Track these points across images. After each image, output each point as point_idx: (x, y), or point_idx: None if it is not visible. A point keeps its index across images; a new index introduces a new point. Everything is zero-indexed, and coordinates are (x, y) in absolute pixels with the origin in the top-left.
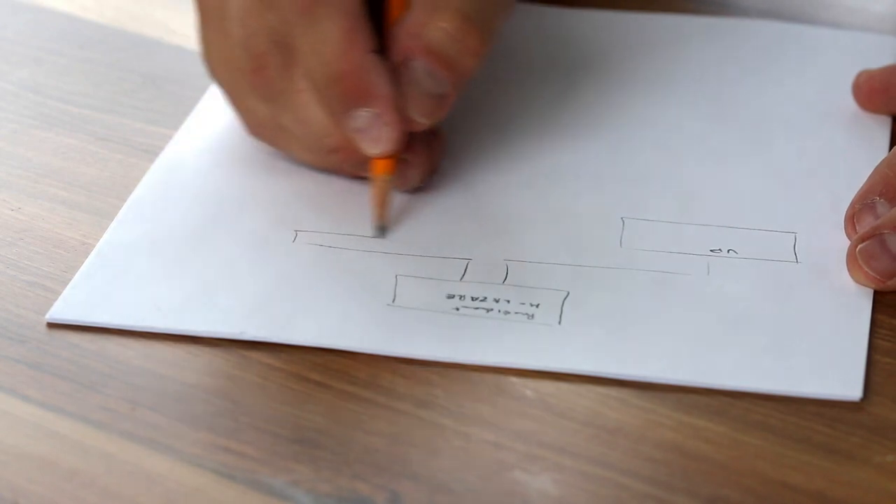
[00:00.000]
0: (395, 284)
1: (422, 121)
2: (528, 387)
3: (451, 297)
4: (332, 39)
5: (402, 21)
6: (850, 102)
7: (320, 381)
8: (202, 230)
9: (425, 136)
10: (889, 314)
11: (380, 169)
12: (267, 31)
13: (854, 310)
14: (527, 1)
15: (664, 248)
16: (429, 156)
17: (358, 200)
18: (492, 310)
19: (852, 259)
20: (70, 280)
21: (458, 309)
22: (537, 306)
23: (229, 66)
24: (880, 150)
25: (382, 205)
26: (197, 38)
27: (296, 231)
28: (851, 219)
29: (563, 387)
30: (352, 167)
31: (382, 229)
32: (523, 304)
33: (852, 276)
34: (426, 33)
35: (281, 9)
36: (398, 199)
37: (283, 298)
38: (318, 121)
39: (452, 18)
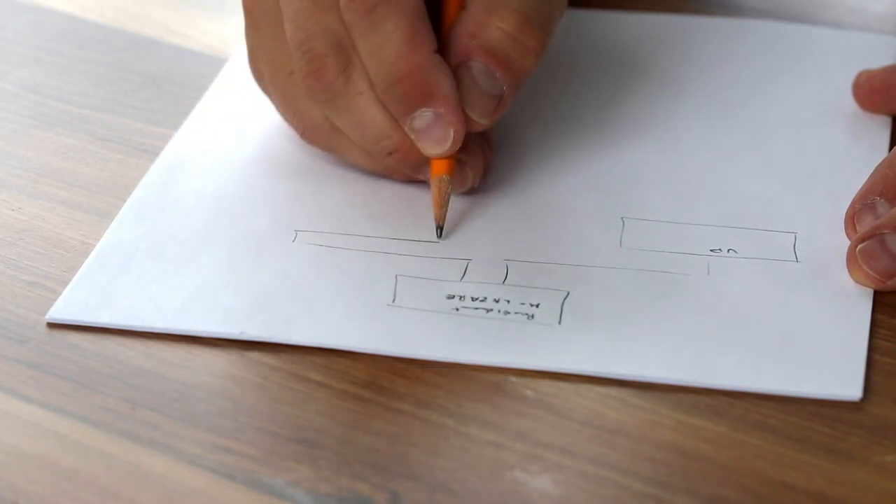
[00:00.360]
0: (395, 284)
1: (481, 121)
2: (528, 387)
3: (451, 297)
4: (395, 40)
5: (459, 21)
6: (850, 102)
7: (320, 381)
8: (202, 230)
9: (479, 136)
10: (889, 314)
11: (439, 170)
12: (325, 33)
13: (854, 310)
14: None
15: (664, 248)
16: (483, 156)
17: (358, 201)
18: (492, 310)
19: (852, 259)
20: (70, 280)
21: (458, 309)
22: (537, 306)
23: (283, 69)
24: (880, 150)
25: (442, 205)
26: (245, 44)
27: (296, 231)
28: (851, 219)
29: (563, 387)
30: (409, 169)
31: (442, 229)
32: (523, 304)
33: (852, 276)
34: (484, 33)
35: (340, 11)
36: (403, 202)
37: (282, 298)
38: (377, 123)
39: (511, 18)
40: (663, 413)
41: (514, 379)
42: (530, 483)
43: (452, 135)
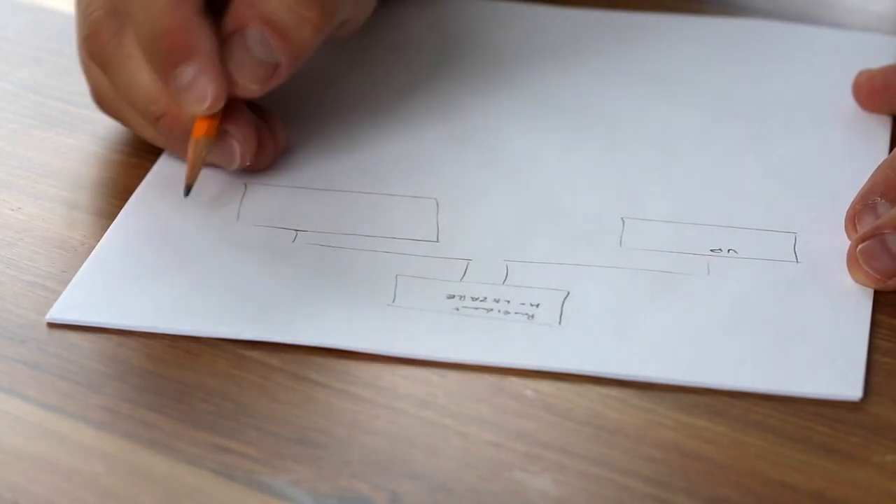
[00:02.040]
0: (395, 284)
1: (251, 87)
2: (528, 387)
3: (451, 297)
4: (160, 0)
5: None
6: (850, 102)
7: (320, 381)
8: (202, 230)
9: (254, 114)
10: (889, 314)
11: (198, 131)
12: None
13: (854, 310)
14: (529, 1)
15: (664, 248)
16: (254, 133)
17: (358, 200)
18: (492, 310)
19: (852, 259)
20: (70, 280)
21: (458, 309)
22: (537, 306)
23: (77, 35)
24: (880, 150)
25: (194, 166)
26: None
27: (296, 231)
28: (852, 219)
29: (563, 387)
30: (178, 137)
31: (190, 189)
32: (523, 304)
33: (852, 276)
34: (262, 2)
35: None
36: (403, 202)
37: (283, 298)
38: (145, 86)
39: None
40: (663, 413)
41: (514, 379)
42: (530, 483)
43: (211, 92)
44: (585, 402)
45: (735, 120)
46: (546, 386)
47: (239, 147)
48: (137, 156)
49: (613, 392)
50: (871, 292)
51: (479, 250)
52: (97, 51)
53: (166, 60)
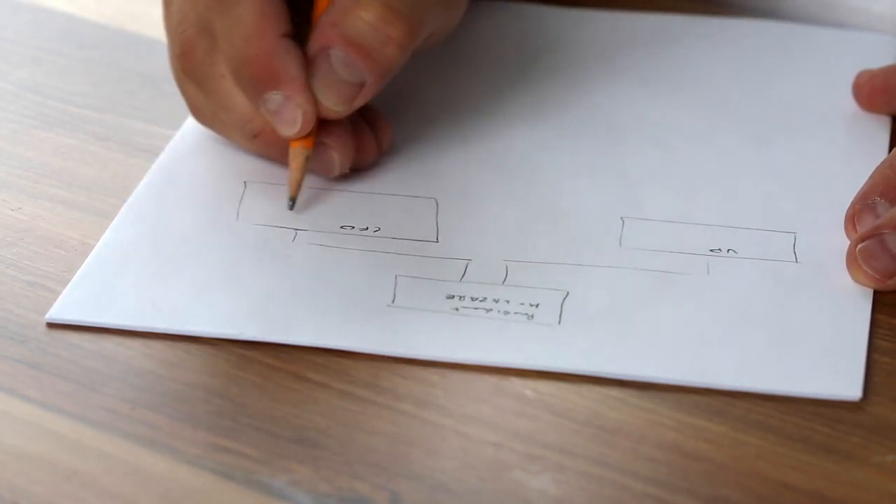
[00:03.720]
0: (395, 284)
1: (336, 108)
2: (528, 387)
3: (450, 297)
4: (245, 23)
5: (327, 11)
6: (850, 102)
7: (320, 381)
8: (202, 230)
9: (351, 123)
10: (889, 314)
11: (297, 144)
12: (196, 16)
13: (854, 310)
14: (529, 1)
15: (664, 248)
16: (351, 143)
17: (358, 201)
18: (491, 310)
19: (852, 259)
20: (70, 280)
21: (457, 309)
22: (537, 306)
23: (170, 51)
24: (880, 150)
25: (296, 177)
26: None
27: (296, 231)
28: (852, 219)
29: (563, 387)
30: (277, 153)
31: (293, 201)
32: (523, 304)
33: (852, 276)
34: (346, 22)
35: None
36: (403, 202)
37: (283, 298)
38: (240, 106)
39: (375, 8)
40: (663, 413)
41: (514, 379)
42: (530, 483)
43: (301, 117)
44: (585, 402)
45: (735, 120)
46: (546, 386)
47: (338, 158)
48: (137, 156)
49: (613, 392)
50: (870, 292)
51: (478, 250)
52: (191, 69)
53: (253, 86)
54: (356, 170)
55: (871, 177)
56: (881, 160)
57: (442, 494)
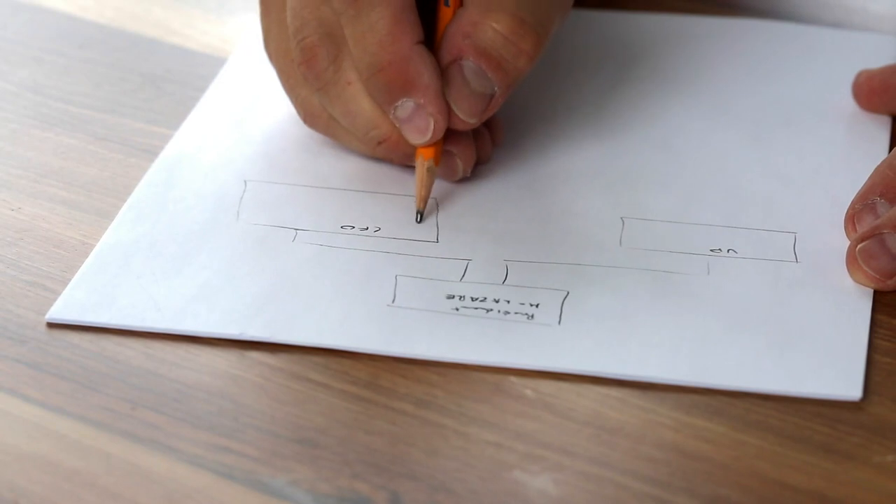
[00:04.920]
0: (395, 284)
1: (469, 120)
2: (528, 387)
3: (450, 297)
4: (379, 29)
5: (455, 20)
6: (850, 102)
7: (320, 381)
8: (202, 230)
9: (479, 127)
10: (889, 314)
11: (425, 155)
12: (318, 22)
13: (854, 310)
14: None
15: (664, 248)
16: (474, 148)
17: (358, 200)
18: (491, 310)
19: (852, 259)
20: (70, 280)
21: (457, 309)
22: (537, 306)
23: (286, 56)
24: (880, 150)
25: (424, 190)
26: (260, 28)
27: (296, 231)
28: (851, 219)
29: (563, 387)
30: (400, 159)
31: (422, 214)
32: (523, 304)
33: (852, 276)
34: (478, 33)
35: (332, 0)
36: (403, 202)
37: (283, 298)
38: (366, 112)
39: (506, 20)
40: (663, 413)
41: (514, 379)
42: (530, 483)
43: (433, 125)
44: (585, 402)
45: (735, 120)
46: (546, 386)
47: (461, 164)
48: (137, 156)
49: (613, 392)
50: (870, 292)
51: (478, 250)
52: (314, 77)
53: (387, 93)
54: (476, 166)
55: (870, 177)
56: (881, 160)
57: (442, 494)
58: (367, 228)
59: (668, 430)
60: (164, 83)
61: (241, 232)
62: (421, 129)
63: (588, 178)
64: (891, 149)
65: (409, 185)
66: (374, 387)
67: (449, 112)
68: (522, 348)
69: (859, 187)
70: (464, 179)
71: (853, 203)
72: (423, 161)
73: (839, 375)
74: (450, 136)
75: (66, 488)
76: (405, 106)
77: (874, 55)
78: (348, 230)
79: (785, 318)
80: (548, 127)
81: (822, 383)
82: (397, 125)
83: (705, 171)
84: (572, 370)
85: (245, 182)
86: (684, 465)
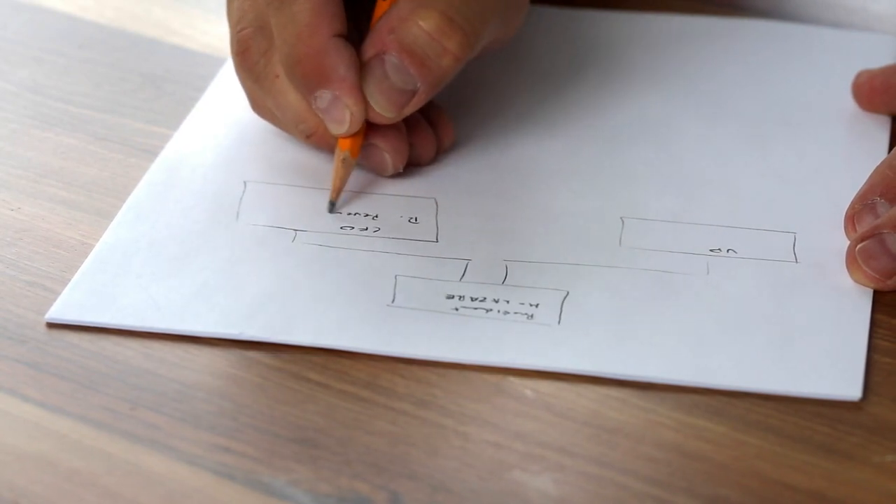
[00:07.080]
0: (395, 284)
1: (386, 114)
2: (528, 387)
3: (450, 297)
4: (298, 21)
5: (385, 15)
6: (850, 102)
7: (320, 381)
8: (202, 230)
9: (410, 121)
10: (889, 314)
11: (342, 146)
12: (255, 15)
13: (854, 310)
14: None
15: (664, 248)
16: (406, 144)
17: (357, 200)
18: (491, 310)
19: (852, 259)
20: (70, 280)
21: (457, 309)
22: (537, 306)
23: (231, 48)
24: (880, 150)
25: (338, 181)
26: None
27: (296, 231)
28: (851, 219)
29: (563, 387)
30: (332, 150)
31: (333, 204)
32: (523, 304)
33: (852, 276)
34: (403, 29)
35: None
36: (403, 202)
37: (282, 298)
38: (293, 105)
39: (434, 17)
40: (663, 413)
41: (514, 379)
42: (530, 483)
43: (349, 116)
44: (585, 402)
45: (735, 120)
46: (546, 386)
47: (390, 157)
48: (137, 156)
49: (613, 392)
50: (870, 292)
51: (478, 250)
52: (248, 67)
53: (304, 84)
54: (416, 165)
55: (870, 177)
56: (881, 160)
57: (442, 494)
58: (367, 229)
59: (668, 430)
60: (164, 83)
61: (240, 232)
62: (338, 119)
63: (588, 177)
64: (891, 149)
65: (407, 186)
66: (373, 387)
67: (366, 104)
68: (522, 348)
69: (859, 187)
70: (397, 175)
71: (853, 203)
72: (339, 152)
73: (839, 375)
74: (377, 130)
75: (66, 488)
76: (323, 97)
77: (874, 55)
78: (348, 230)
79: (785, 318)
80: (547, 127)
81: (822, 383)
82: (321, 116)
83: (705, 171)
84: (572, 370)
85: (245, 182)
86: (684, 465)
